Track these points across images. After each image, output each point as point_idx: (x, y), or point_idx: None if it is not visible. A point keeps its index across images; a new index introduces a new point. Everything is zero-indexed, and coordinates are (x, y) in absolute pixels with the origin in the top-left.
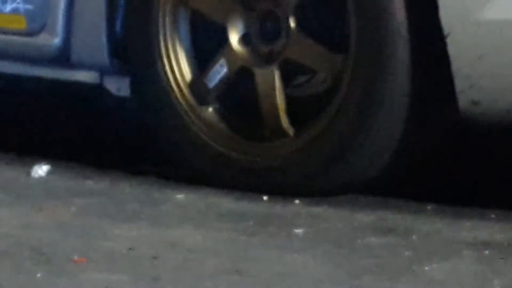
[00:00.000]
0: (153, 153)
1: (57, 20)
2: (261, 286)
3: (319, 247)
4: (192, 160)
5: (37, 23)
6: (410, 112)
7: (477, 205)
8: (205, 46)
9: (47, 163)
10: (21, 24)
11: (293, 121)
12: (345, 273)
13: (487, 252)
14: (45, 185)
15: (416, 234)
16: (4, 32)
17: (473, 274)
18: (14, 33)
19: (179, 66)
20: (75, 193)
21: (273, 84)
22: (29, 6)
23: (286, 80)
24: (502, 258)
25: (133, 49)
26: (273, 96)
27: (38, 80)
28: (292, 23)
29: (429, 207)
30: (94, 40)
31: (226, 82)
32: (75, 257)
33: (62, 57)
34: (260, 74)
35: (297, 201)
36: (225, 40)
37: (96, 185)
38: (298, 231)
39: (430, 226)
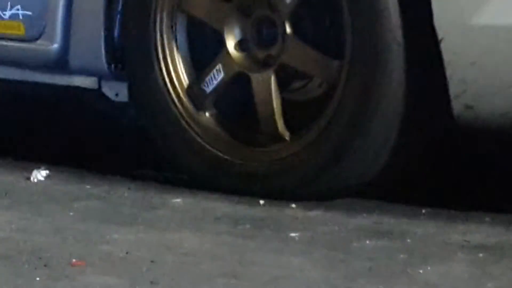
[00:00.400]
0: (151, 158)
1: (56, 26)
2: None
3: (315, 250)
4: (189, 165)
5: (36, 29)
6: (405, 117)
7: (471, 208)
8: (202, 52)
9: (46, 168)
10: (20, 30)
11: (289, 125)
12: (341, 276)
13: (481, 255)
14: (44, 190)
15: (411, 237)
16: (3, 38)
17: (467, 277)
18: (13, 39)
19: (176, 71)
20: (73, 198)
21: (269, 89)
22: (28, 13)
23: (282, 85)
24: (496, 261)
25: (130, 55)
26: (269, 101)
27: (37, 85)
28: (288, 29)
29: (424, 211)
30: (92, 46)
31: (223, 87)
32: (74, 261)
33: (61, 63)
34: (256, 79)
35: (293, 205)
36: (222, 45)
37: (95, 189)
38: (294, 234)
39: (425, 229)
